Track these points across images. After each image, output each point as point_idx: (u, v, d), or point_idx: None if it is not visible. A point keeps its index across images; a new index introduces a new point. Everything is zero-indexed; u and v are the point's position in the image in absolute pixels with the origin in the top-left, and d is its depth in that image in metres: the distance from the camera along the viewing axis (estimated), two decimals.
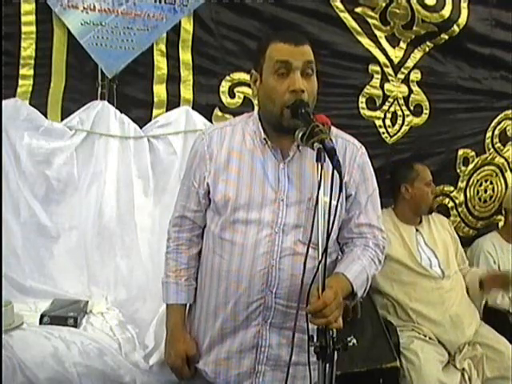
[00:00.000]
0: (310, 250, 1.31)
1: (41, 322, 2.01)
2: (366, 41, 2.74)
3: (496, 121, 3.09)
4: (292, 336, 1.38)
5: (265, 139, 1.49)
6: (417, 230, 2.72)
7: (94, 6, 2.28)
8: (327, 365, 1.24)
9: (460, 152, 3.06)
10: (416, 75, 2.87)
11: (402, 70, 2.84)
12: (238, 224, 1.48)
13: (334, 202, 1.24)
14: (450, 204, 3.13)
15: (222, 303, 1.51)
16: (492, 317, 2.75)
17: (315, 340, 1.27)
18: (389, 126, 2.89)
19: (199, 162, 1.55)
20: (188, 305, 1.67)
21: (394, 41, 2.79)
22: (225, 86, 2.55)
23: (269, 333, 1.50)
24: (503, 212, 3.13)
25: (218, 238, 1.51)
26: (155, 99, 2.45)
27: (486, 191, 3.20)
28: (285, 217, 1.46)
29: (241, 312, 1.49)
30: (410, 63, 2.84)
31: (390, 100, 2.85)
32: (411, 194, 2.73)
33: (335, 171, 1.23)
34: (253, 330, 1.50)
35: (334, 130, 1.55)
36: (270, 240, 1.46)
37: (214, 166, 1.52)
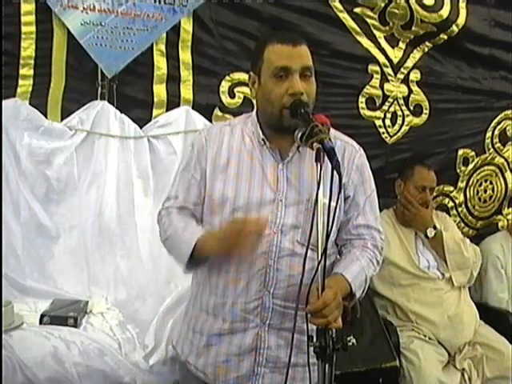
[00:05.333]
0: (309, 251, 1.31)
1: (41, 322, 2.01)
2: (365, 41, 2.74)
3: (496, 121, 3.09)
4: (291, 337, 1.38)
5: (263, 140, 1.49)
6: (416, 233, 2.70)
7: (94, 7, 2.28)
8: (327, 365, 1.25)
9: (460, 152, 3.06)
10: (415, 75, 2.87)
11: (402, 70, 2.84)
12: None
13: (333, 203, 1.24)
14: (450, 204, 3.13)
15: (220, 303, 1.51)
16: (492, 317, 2.74)
17: (315, 340, 1.27)
18: (389, 126, 2.89)
19: (198, 155, 1.54)
20: (185, 305, 1.66)
21: (393, 41, 2.80)
22: (225, 86, 2.55)
23: (267, 334, 1.49)
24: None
25: None
26: (155, 99, 2.46)
27: (485, 191, 3.20)
28: (283, 217, 1.46)
29: (239, 312, 1.49)
30: (409, 63, 2.85)
31: (390, 100, 2.86)
32: (400, 191, 2.72)
33: (335, 172, 1.23)
34: (251, 331, 1.49)
35: (332, 131, 1.54)
36: (268, 240, 1.45)
37: (212, 164, 1.51)
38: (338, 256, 1.59)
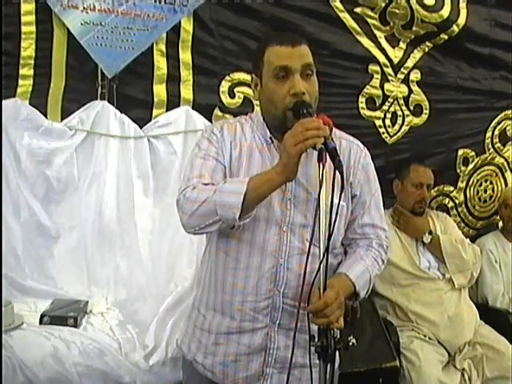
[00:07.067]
0: (318, 250, 1.31)
1: (41, 322, 2.01)
2: (365, 41, 2.74)
3: (496, 121, 3.10)
4: (293, 336, 1.38)
5: (271, 138, 1.50)
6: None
7: (94, 6, 2.28)
8: (328, 365, 1.24)
9: (460, 152, 3.06)
10: (416, 75, 2.87)
11: (402, 69, 2.84)
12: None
13: (336, 200, 1.25)
14: (450, 204, 3.13)
15: (228, 301, 1.50)
16: (492, 317, 2.74)
17: (316, 340, 1.27)
18: (389, 126, 2.89)
19: (219, 145, 1.50)
20: (187, 304, 1.65)
21: (393, 41, 2.80)
22: (225, 86, 2.55)
23: (277, 335, 1.49)
24: (502, 210, 3.11)
25: (223, 234, 1.50)
26: (155, 99, 2.46)
27: (485, 191, 3.20)
28: (292, 216, 1.45)
29: (248, 311, 1.48)
30: (409, 63, 2.85)
31: (390, 100, 2.86)
32: (398, 190, 2.73)
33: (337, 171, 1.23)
34: (261, 331, 1.48)
35: (337, 131, 1.55)
36: (278, 239, 1.45)
37: (228, 158, 1.49)
38: (344, 256, 1.59)
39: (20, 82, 2.27)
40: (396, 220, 2.69)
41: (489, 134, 3.10)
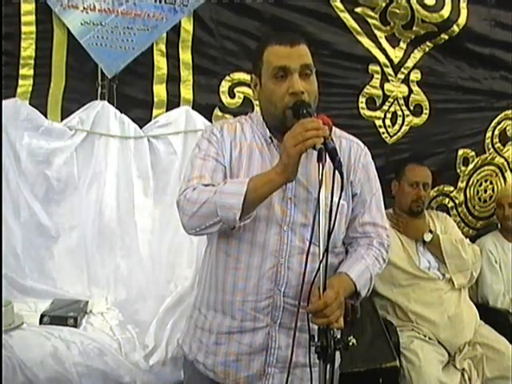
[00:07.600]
0: (318, 249, 1.31)
1: (41, 322, 2.01)
2: (366, 41, 2.74)
3: (496, 121, 3.10)
4: (293, 335, 1.38)
5: (270, 138, 1.50)
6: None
7: (94, 6, 2.28)
8: (328, 365, 1.24)
9: (460, 152, 3.06)
10: (416, 75, 2.87)
11: (402, 70, 2.84)
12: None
13: (335, 199, 1.26)
14: (450, 204, 3.13)
15: (229, 301, 1.50)
16: (492, 317, 2.75)
17: (316, 340, 1.27)
18: (389, 126, 2.89)
19: (219, 145, 1.50)
20: (188, 304, 1.65)
21: (393, 41, 2.80)
22: (225, 85, 2.55)
23: (278, 334, 1.49)
24: (498, 209, 3.10)
25: (224, 235, 1.50)
26: (155, 99, 2.46)
27: (485, 191, 3.20)
28: (293, 215, 1.46)
29: (248, 311, 1.48)
30: (409, 63, 2.85)
31: (390, 100, 2.86)
32: (395, 190, 2.75)
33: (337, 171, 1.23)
34: (262, 331, 1.49)
35: (337, 130, 1.56)
36: (278, 238, 1.46)
37: (228, 158, 1.50)
38: (345, 255, 1.59)
39: (20, 82, 2.27)
40: (395, 223, 2.69)
41: (489, 134, 3.10)
